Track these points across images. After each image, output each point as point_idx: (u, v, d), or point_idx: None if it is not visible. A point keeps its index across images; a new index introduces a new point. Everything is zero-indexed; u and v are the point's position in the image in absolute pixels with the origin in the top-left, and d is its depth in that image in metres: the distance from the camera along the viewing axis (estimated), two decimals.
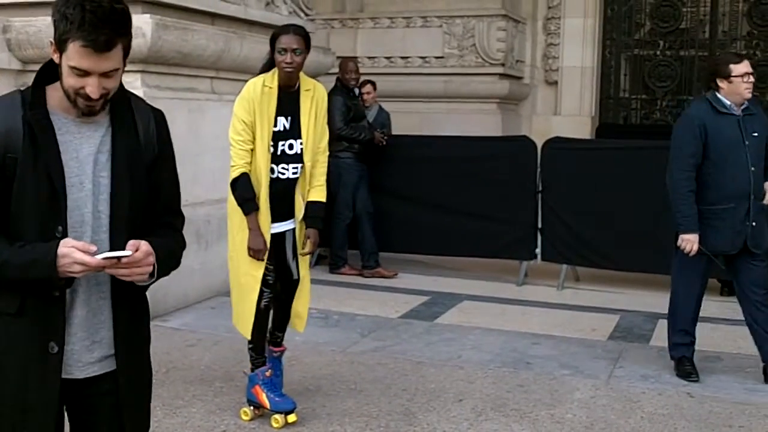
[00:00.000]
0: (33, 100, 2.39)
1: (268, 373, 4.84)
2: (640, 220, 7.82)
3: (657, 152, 8.08)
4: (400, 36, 13.18)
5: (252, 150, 4.65)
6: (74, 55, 2.29)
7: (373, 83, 9.80)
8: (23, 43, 6.63)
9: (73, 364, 2.46)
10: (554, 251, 8.21)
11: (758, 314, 5.46)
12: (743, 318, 5.59)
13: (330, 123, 8.29)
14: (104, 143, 2.43)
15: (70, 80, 2.31)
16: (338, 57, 10.85)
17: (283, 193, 4.74)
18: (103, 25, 2.27)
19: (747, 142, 5.40)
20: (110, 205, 2.42)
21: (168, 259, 2.55)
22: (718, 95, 5.46)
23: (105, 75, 2.32)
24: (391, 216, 8.65)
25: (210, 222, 6.94)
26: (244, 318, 4.82)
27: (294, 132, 4.71)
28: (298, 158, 4.73)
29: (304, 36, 4.78)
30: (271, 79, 4.71)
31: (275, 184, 4.70)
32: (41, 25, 6.58)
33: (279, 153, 4.69)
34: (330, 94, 8.76)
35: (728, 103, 5.43)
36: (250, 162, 4.65)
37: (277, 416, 4.72)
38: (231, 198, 4.74)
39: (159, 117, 2.57)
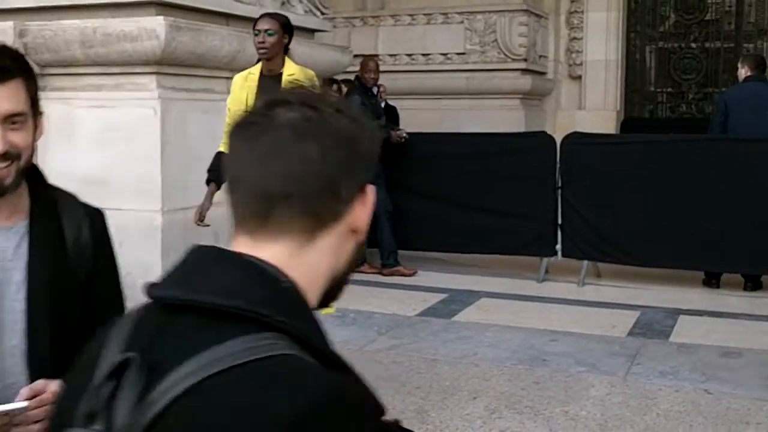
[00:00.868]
0: None
1: None
2: (662, 216, 7.76)
3: (678, 146, 8.08)
4: (421, 33, 13.15)
5: None
6: None
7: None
8: (40, 47, 6.67)
9: None
10: (575, 247, 8.16)
11: None
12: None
13: None
14: (18, 257, 1.87)
15: None
16: (358, 55, 10.87)
17: None
18: None
19: None
20: (26, 341, 1.85)
21: None
22: None
23: (9, 121, 1.81)
24: (410, 214, 8.62)
25: (226, 222, 6.94)
26: None
27: None
28: None
29: (277, 18, 4.95)
30: (257, 68, 4.94)
31: None
32: (57, 29, 6.62)
33: None
34: (347, 94, 8.80)
35: None
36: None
37: None
38: None
39: (97, 219, 2.03)
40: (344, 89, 9.31)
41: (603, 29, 13.61)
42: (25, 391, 1.69)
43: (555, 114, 14.00)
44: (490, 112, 12.57)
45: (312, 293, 1.21)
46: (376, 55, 13.08)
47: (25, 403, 1.67)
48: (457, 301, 7.44)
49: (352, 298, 7.38)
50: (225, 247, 1.21)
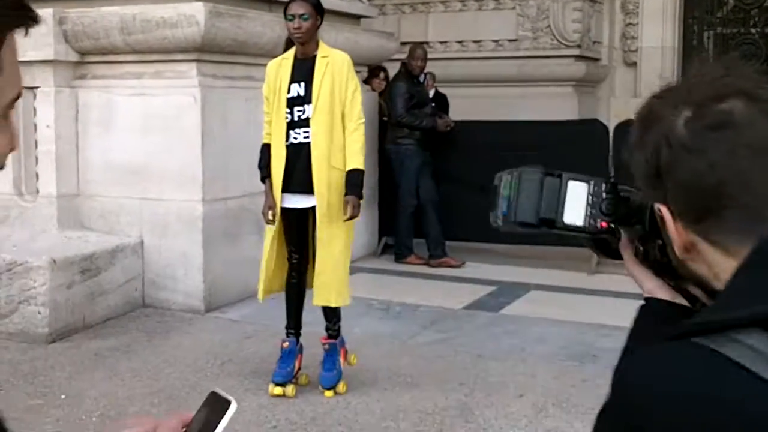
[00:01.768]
0: None
1: (285, 344, 4.95)
2: None
3: None
4: (472, 19, 12.92)
5: (270, 121, 4.87)
6: None
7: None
8: (79, 35, 6.58)
9: None
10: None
11: None
12: None
13: (391, 109, 8.24)
14: None
15: None
16: (408, 42, 10.70)
17: (296, 158, 4.78)
18: None
19: None
20: None
21: None
22: None
23: None
24: (457, 204, 8.43)
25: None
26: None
27: (308, 98, 4.76)
28: (309, 122, 4.77)
29: (309, 1, 4.81)
30: (290, 53, 4.84)
31: (290, 149, 4.79)
32: (97, 16, 6.53)
33: (296, 119, 4.77)
34: (393, 80, 8.64)
35: None
36: (270, 133, 4.87)
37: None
38: None
39: None
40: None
41: (659, 14, 13.26)
42: None
43: (609, 101, 13.70)
44: (542, 100, 12.33)
45: None
46: (426, 43, 12.94)
47: None
48: (505, 293, 7.24)
49: (397, 290, 7.24)
50: None
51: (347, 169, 4.78)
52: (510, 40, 12.83)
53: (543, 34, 12.65)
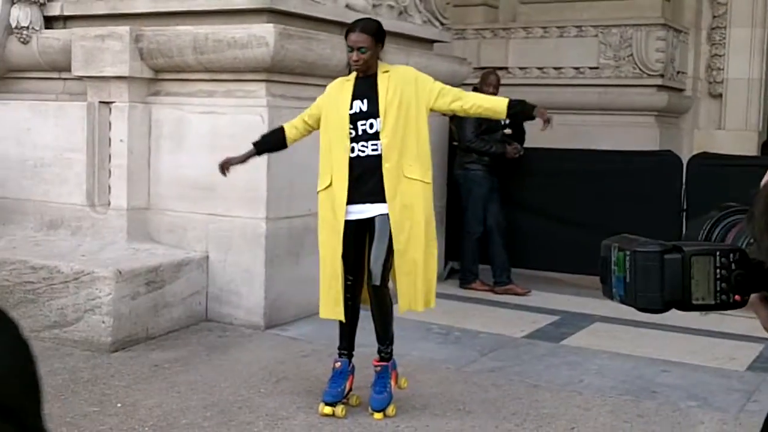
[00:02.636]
0: None
1: (337, 364, 4.98)
2: None
3: None
4: (553, 46, 12.86)
5: (305, 122, 5.11)
6: None
7: None
8: (154, 52, 6.72)
9: None
10: None
11: None
12: None
13: (460, 134, 8.24)
14: None
15: None
16: (487, 68, 10.69)
17: (363, 171, 4.84)
18: None
19: None
20: None
21: None
22: None
23: None
24: (524, 231, 8.40)
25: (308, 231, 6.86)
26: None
27: (372, 112, 4.83)
28: (377, 136, 4.84)
29: (370, 33, 4.86)
30: (354, 74, 4.95)
31: (354, 161, 4.85)
32: (171, 35, 6.67)
33: (360, 133, 4.84)
34: None
35: None
36: (295, 126, 5.16)
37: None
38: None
39: None
40: None
41: (746, 46, 13.04)
42: None
43: (692, 133, 13.50)
44: (623, 129, 12.21)
45: None
46: (505, 68, 12.92)
47: None
48: (568, 324, 7.16)
49: (459, 315, 7.22)
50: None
51: (505, 103, 5.05)
52: (591, 68, 12.73)
53: (625, 62, 12.53)
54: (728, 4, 13.04)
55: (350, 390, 5.00)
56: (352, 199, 4.83)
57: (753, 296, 1.20)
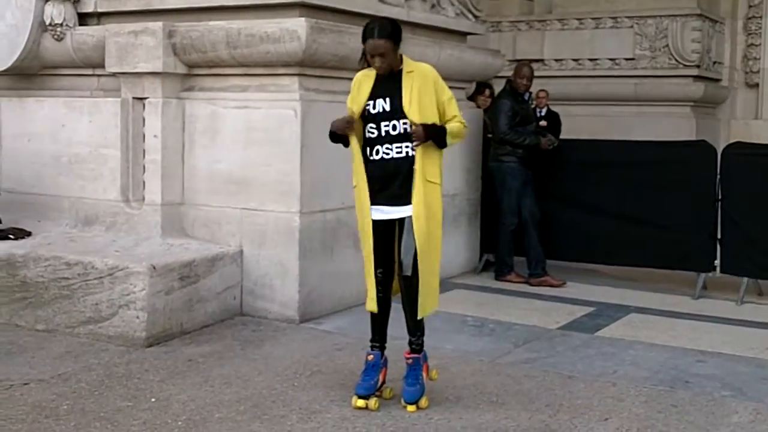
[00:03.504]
0: None
1: (369, 357, 4.97)
2: None
3: None
4: (589, 37, 12.82)
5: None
6: None
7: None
8: (187, 48, 6.75)
9: None
10: (734, 263, 7.70)
11: None
12: None
13: (494, 126, 8.22)
14: None
15: None
16: (523, 60, 10.66)
17: (388, 174, 4.79)
18: None
19: None
20: None
21: None
22: None
23: None
24: (559, 223, 8.35)
25: (340, 225, 6.87)
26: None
27: (396, 113, 4.76)
28: (402, 138, 4.77)
29: (387, 36, 4.78)
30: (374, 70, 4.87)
31: (378, 164, 4.80)
32: (204, 30, 6.69)
33: (383, 134, 4.79)
34: (497, 98, 8.61)
35: None
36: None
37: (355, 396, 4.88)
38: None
39: None
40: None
41: None
42: None
43: (729, 123, 13.40)
44: (659, 120, 12.15)
45: None
46: (541, 60, 12.88)
47: None
48: (604, 315, 7.12)
49: (494, 307, 7.21)
50: None
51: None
52: (627, 59, 12.69)
53: (661, 53, 12.47)
54: None
55: (383, 382, 4.99)
56: (378, 201, 4.82)
57: None
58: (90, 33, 7.28)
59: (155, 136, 6.86)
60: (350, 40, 6.60)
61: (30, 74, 7.74)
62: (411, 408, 4.84)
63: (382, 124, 4.78)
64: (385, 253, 4.92)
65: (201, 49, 6.72)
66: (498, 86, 8.88)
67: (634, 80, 12.58)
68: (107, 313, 6.04)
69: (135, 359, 5.66)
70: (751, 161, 7.66)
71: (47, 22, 7.36)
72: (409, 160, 4.78)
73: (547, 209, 8.31)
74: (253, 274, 6.67)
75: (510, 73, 8.63)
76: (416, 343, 4.96)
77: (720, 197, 7.71)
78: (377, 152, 4.81)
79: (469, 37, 8.60)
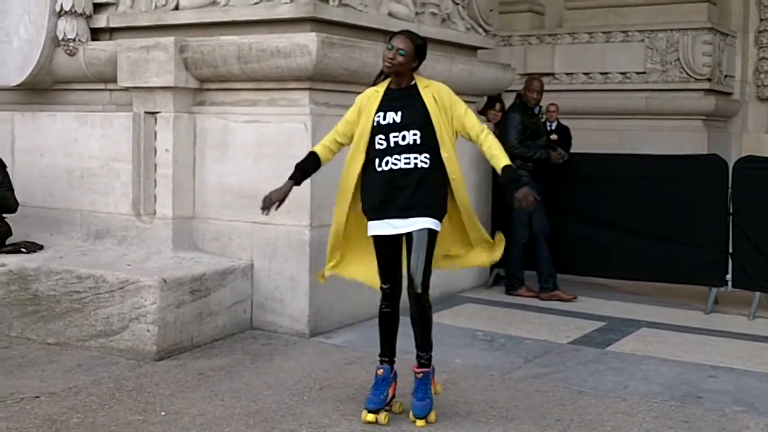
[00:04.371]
0: None
1: (379, 372, 4.98)
2: None
3: None
4: (600, 51, 12.84)
5: (337, 142, 5.06)
6: None
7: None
8: (199, 62, 6.78)
9: None
10: (746, 277, 7.67)
11: None
12: None
13: (504, 140, 8.21)
14: None
15: None
16: (529, 74, 10.67)
17: (396, 184, 4.82)
18: None
19: None
20: None
21: None
22: None
23: None
24: (570, 237, 8.34)
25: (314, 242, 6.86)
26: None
27: (406, 124, 4.80)
28: (411, 149, 4.79)
29: (413, 41, 4.88)
30: (383, 85, 4.93)
31: (386, 174, 4.82)
32: (215, 45, 6.72)
33: (392, 144, 4.81)
34: (507, 111, 8.61)
35: None
36: (327, 147, 5.08)
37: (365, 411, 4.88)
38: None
39: None
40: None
41: None
42: None
43: (741, 137, 13.38)
44: (671, 134, 12.15)
45: None
46: (552, 74, 12.89)
47: None
48: (614, 330, 7.10)
49: (504, 322, 7.20)
50: None
51: (502, 165, 4.83)
52: (638, 73, 12.70)
53: (672, 67, 12.48)
54: None
55: (393, 397, 4.99)
56: (388, 215, 4.83)
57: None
58: (102, 48, 7.32)
59: (167, 150, 6.89)
60: (361, 54, 6.62)
61: (42, 89, 7.79)
62: (420, 423, 4.84)
63: (391, 135, 4.80)
64: (392, 266, 4.93)
65: (212, 64, 6.75)
66: (508, 100, 8.87)
67: (645, 94, 12.58)
68: (118, 326, 6.06)
69: (145, 373, 5.68)
70: (763, 175, 7.63)
71: (60, 38, 7.40)
72: (419, 172, 4.80)
73: (558, 223, 8.30)
74: (263, 288, 6.68)
75: (520, 87, 8.64)
76: (425, 358, 4.96)
77: (731, 211, 7.69)
78: (386, 163, 4.82)
79: (479, 51, 8.61)
